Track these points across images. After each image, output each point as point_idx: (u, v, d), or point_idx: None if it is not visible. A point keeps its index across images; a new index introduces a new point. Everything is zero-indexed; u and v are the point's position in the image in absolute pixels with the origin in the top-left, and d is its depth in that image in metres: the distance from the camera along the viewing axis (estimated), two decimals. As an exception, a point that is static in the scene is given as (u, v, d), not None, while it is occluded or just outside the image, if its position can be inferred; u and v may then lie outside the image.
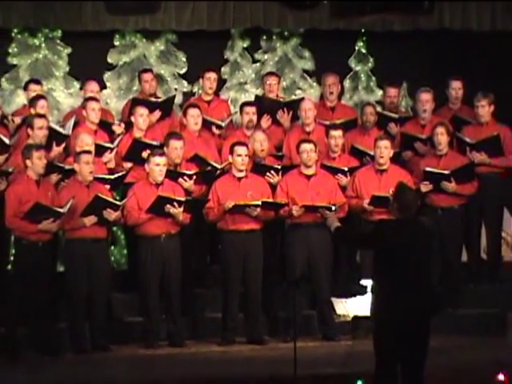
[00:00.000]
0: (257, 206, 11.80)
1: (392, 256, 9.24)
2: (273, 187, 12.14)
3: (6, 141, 11.89)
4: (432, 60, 13.82)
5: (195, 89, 13.78)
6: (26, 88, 12.91)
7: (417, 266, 9.17)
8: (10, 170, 11.68)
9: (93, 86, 12.98)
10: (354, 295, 10.67)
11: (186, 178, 12.04)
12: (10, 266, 12.07)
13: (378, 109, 13.41)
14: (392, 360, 9.24)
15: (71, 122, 12.57)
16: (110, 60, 13.96)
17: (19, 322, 11.49)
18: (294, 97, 13.81)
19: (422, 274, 9.21)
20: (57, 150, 12.01)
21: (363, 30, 14.03)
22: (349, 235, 10.17)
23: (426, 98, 13.01)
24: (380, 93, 14.14)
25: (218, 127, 12.86)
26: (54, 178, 11.77)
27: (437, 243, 11.34)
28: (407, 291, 9.11)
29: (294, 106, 13.01)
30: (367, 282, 9.66)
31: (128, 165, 12.31)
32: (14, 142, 12.00)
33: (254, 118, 12.74)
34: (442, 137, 12.47)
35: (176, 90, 14.03)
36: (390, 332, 9.20)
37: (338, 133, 12.51)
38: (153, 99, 12.96)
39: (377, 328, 9.32)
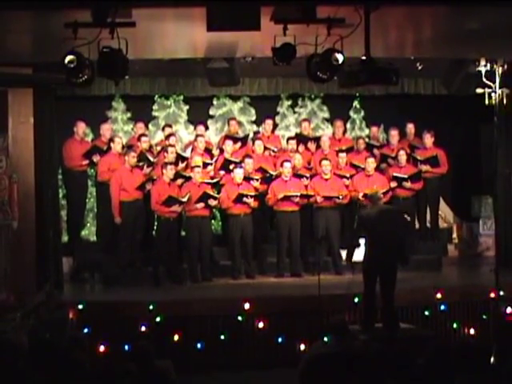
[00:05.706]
0: (296, 196, 11.80)
1: (369, 227, 9.47)
2: (305, 186, 12.10)
3: (152, 159, 12.02)
4: (397, 111, 13.65)
5: (260, 129, 13.59)
6: (163, 129, 12.97)
7: (384, 232, 9.38)
8: (154, 177, 11.80)
9: (201, 128, 13.03)
10: (352, 248, 10.70)
11: (255, 180, 12.04)
12: (154, 232, 12.09)
13: (367, 140, 13.29)
14: (372, 284, 9.43)
15: (189, 149, 12.75)
16: (211, 112, 13.84)
17: (160, 263, 11.56)
18: (317, 134, 13.60)
19: (388, 236, 9.39)
20: (181, 165, 12.05)
21: (357, 94, 13.87)
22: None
23: (394, 133, 12.96)
24: (367, 131, 13.95)
25: (273, 151, 12.79)
26: (180, 181, 11.82)
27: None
28: (379, 246, 9.30)
29: (317, 139, 12.93)
30: (360, 241, 9.74)
31: (221, 173, 12.29)
32: (156, 161, 12.08)
33: (295, 146, 12.66)
34: (402, 156, 12.44)
35: (249, 130, 13.87)
36: (370, 269, 9.37)
37: (343, 154, 12.53)
38: (235, 136, 12.88)
39: (364, 267, 9.48)
